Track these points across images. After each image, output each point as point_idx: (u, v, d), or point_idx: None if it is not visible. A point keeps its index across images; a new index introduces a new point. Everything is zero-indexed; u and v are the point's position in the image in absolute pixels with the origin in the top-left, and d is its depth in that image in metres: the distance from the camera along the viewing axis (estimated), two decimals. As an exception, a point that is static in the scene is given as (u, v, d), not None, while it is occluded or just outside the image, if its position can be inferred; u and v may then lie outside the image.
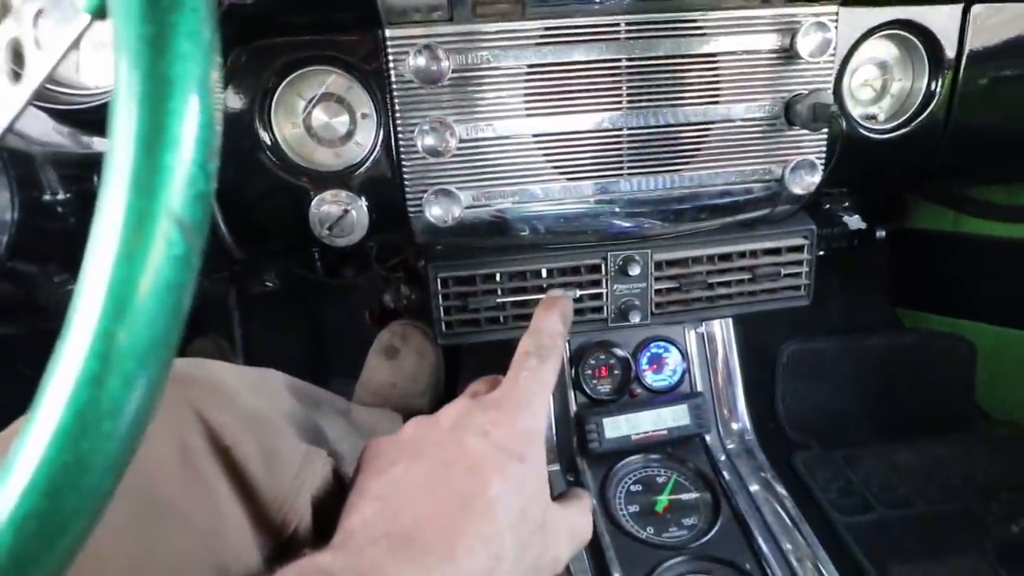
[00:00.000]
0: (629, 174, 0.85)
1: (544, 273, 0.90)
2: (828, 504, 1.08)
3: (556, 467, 0.98)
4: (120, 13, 0.25)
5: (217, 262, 0.97)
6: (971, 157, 0.99)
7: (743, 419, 1.05)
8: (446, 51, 0.74)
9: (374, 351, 1.33)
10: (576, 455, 0.98)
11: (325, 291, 1.50)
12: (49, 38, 0.40)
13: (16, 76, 0.45)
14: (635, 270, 0.90)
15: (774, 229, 0.93)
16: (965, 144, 0.93)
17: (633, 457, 0.96)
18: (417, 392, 1.29)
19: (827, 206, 1.30)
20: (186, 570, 0.43)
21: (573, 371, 1.01)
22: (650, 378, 1.03)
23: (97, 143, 0.77)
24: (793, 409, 1.35)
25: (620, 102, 0.81)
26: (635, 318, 0.92)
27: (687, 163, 0.86)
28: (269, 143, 0.80)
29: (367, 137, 0.81)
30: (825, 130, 0.86)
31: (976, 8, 0.85)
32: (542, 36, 0.77)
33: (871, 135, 0.90)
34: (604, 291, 0.92)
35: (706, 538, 0.86)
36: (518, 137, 0.81)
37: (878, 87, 0.90)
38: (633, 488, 0.93)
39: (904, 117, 0.90)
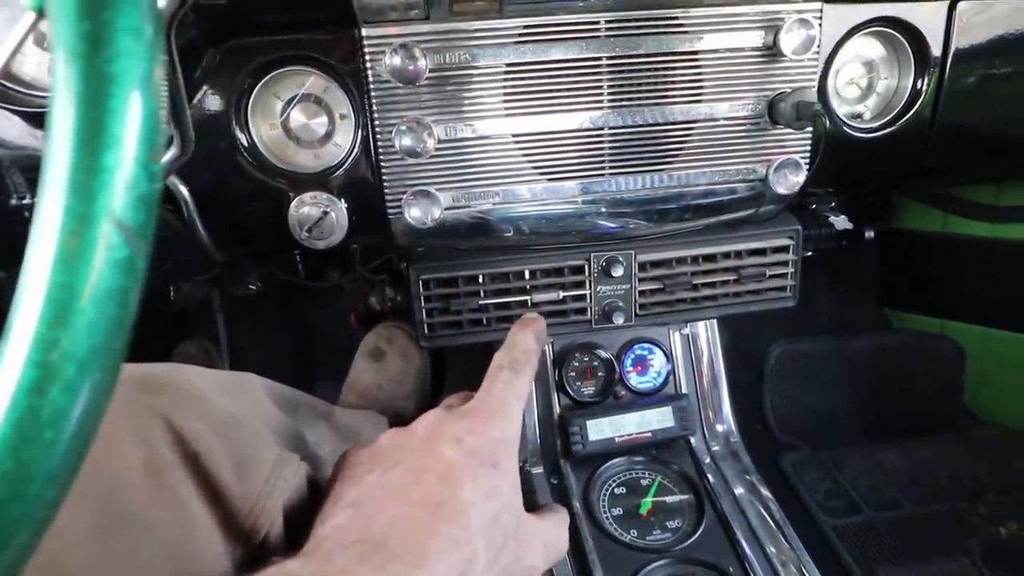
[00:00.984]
0: (611, 174, 0.84)
1: (527, 274, 0.90)
2: (816, 506, 1.08)
3: (540, 470, 0.97)
4: (56, 9, 0.24)
5: (197, 265, 0.96)
6: (957, 156, 0.99)
7: (728, 421, 1.04)
8: (423, 50, 0.73)
9: (360, 353, 1.33)
10: (560, 457, 0.97)
11: (310, 294, 1.50)
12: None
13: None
14: (619, 271, 0.89)
15: (759, 229, 0.92)
16: (951, 143, 0.93)
17: (617, 459, 0.95)
18: (403, 394, 1.29)
19: (814, 206, 1.30)
20: None
21: (557, 373, 1.00)
22: (634, 380, 1.02)
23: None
24: (781, 410, 1.35)
25: (601, 101, 0.81)
26: (619, 319, 0.91)
27: (670, 163, 0.85)
28: (246, 145, 0.79)
29: (346, 138, 0.80)
30: (809, 129, 0.85)
31: (962, 5, 0.85)
32: (521, 34, 0.77)
33: (856, 134, 0.89)
34: (588, 292, 0.91)
35: (690, 541, 0.85)
36: (498, 137, 0.80)
37: (864, 85, 0.90)
38: (617, 491, 0.92)
39: (890, 116, 0.90)
